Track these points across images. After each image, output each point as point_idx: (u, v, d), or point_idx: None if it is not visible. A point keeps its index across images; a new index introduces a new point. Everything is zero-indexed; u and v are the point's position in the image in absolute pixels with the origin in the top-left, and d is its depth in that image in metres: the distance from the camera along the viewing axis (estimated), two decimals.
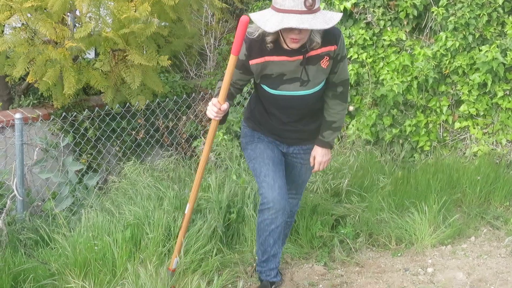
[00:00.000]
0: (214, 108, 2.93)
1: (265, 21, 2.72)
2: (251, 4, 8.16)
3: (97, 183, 5.38)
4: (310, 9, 2.65)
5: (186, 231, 3.51)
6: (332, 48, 3.02)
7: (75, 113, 5.68)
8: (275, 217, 3.28)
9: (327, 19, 2.72)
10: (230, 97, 3.14)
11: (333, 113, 3.28)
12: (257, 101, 3.39)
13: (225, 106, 2.94)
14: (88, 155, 6.04)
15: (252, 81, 3.31)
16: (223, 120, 3.10)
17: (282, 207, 3.25)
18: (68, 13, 6.09)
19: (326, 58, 3.04)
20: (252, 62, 3.03)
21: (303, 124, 3.33)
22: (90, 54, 6.90)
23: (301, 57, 3.00)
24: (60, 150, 5.24)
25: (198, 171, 3.21)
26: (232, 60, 2.78)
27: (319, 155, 3.38)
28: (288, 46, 2.91)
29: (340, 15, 2.79)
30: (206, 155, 3.13)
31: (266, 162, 3.34)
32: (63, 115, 5.56)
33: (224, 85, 2.87)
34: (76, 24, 6.22)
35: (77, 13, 6.00)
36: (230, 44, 8.23)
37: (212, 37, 8.77)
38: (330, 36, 3.00)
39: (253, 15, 2.77)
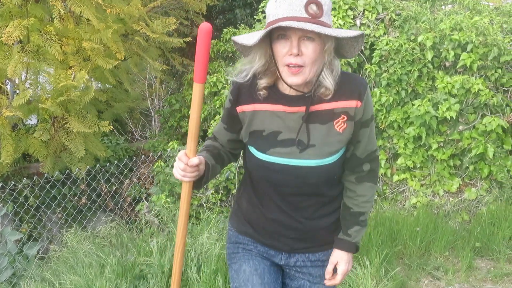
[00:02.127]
0: (179, 163, 2.00)
1: (250, 37, 1.96)
2: (191, 66, 8.28)
3: (38, 252, 5.27)
4: (314, 18, 1.85)
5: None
6: (353, 103, 2.04)
7: (13, 182, 5.58)
8: None
9: (339, 32, 1.90)
10: (217, 158, 2.25)
11: (361, 202, 2.23)
12: (246, 183, 2.35)
13: (195, 160, 2.00)
14: (29, 224, 5.92)
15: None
16: (198, 183, 2.13)
17: None
18: (7, 81, 6.07)
19: (343, 117, 2.05)
20: (240, 109, 2.13)
21: (310, 217, 2.23)
22: (32, 120, 6.86)
23: (304, 108, 2.05)
24: None
25: (175, 258, 2.18)
26: (196, 91, 1.96)
27: (344, 263, 2.27)
28: (287, 83, 1.97)
29: (360, 32, 1.94)
30: (182, 234, 2.13)
31: None
32: (0, 185, 5.47)
33: (192, 131, 2.01)
34: (16, 91, 6.20)
35: (17, 80, 5.99)
36: (172, 105, 8.28)
37: (156, 98, 8.84)
38: (351, 86, 2.06)
39: (236, 37, 1.99)
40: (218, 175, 2.28)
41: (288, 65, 1.92)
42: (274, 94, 2.07)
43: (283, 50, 1.92)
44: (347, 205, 2.24)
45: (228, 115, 2.19)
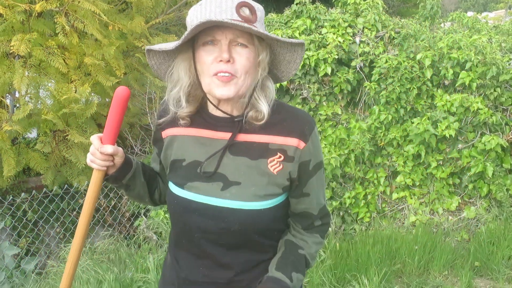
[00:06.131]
0: (91, 146, 1.73)
1: (168, 45, 1.63)
2: None
3: (35, 267, 5.25)
4: (248, 22, 1.54)
5: None
6: (293, 142, 1.67)
7: (11, 196, 5.58)
8: None
9: (277, 36, 1.58)
10: (147, 175, 1.93)
11: (300, 240, 1.81)
12: (170, 234, 1.96)
13: (108, 148, 1.69)
14: (27, 238, 5.91)
15: None
16: (118, 176, 1.80)
17: None
18: (7, 95, 6.09)
19: (280, 156, 1.67)
20: (165, 133, 1.81)
21: (237, 272, 1.78)
22: (32, 134, 6.86)
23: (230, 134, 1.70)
24: None
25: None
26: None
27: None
28: (216, 95, 1.61)
29: (300, 41, 1.62)
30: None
31: None
32: None
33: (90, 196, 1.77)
34: (16, 105, 6.21)
35: (17, 94, 6.01)
36: None
37: (156, 113, 8.85)
38: (293, 122, 1.70)
39: (153, 46, 1.65)
40: (142, 194, 1.90)
41: (216, 74, 1.58)
42: (199, 117, 1.74)
43: (209, 57, 1.58)
44: (296, 243, 1.80)
45: (155, 141, 1.89)
